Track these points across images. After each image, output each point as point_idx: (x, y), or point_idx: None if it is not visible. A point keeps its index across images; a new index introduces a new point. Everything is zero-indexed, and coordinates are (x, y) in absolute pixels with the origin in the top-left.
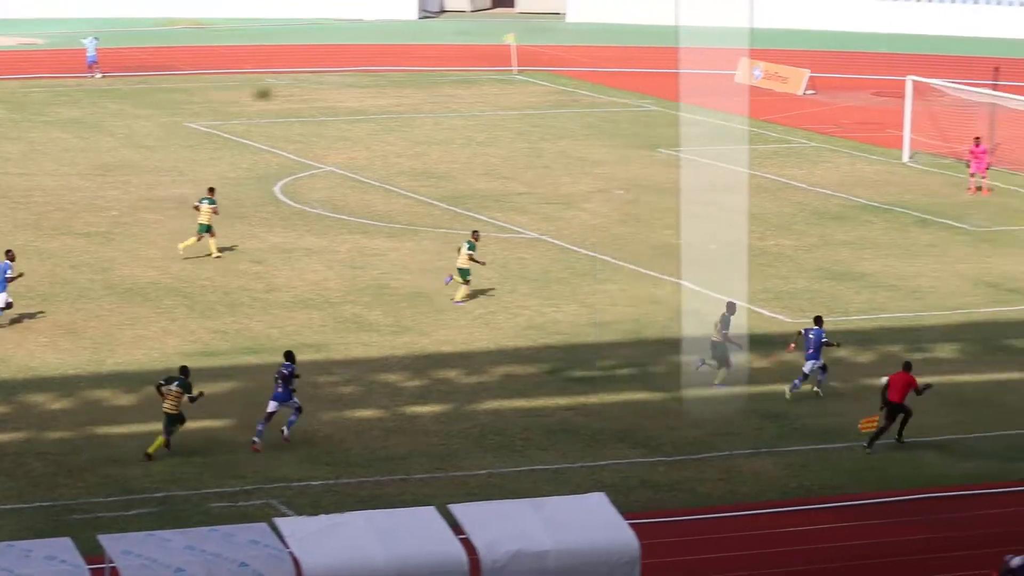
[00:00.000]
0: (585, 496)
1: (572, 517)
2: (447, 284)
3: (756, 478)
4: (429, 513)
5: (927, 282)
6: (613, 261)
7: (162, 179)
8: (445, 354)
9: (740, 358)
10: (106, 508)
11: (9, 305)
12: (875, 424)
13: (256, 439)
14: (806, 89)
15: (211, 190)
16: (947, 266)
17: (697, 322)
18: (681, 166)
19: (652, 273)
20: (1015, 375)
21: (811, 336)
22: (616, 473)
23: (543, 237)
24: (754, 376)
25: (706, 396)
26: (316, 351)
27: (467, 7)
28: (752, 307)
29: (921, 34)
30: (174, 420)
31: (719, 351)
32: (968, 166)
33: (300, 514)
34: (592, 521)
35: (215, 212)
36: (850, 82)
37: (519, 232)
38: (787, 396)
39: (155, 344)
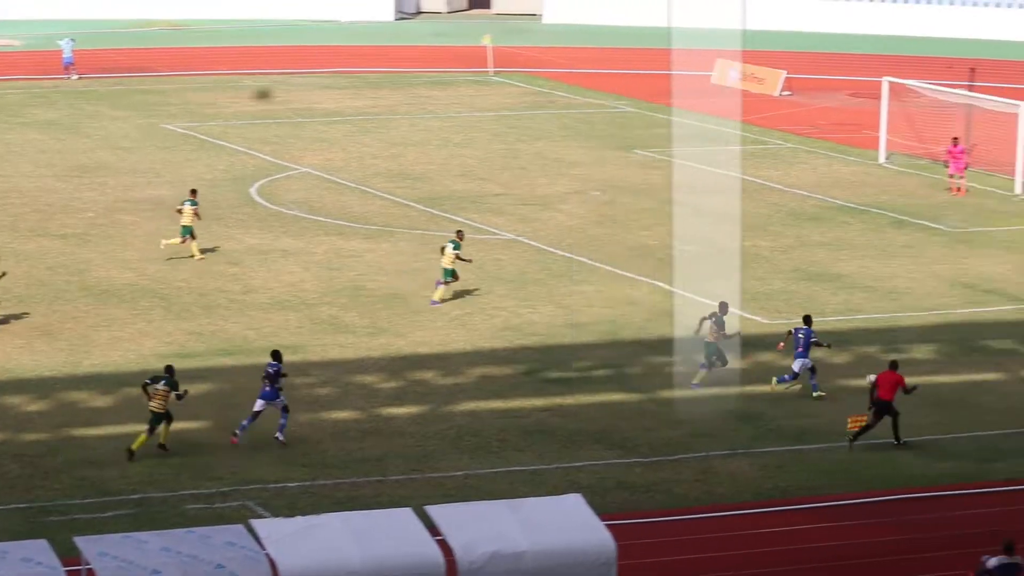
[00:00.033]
0: (561, 497)
1: (549, 518)
2: (439, 287)
3: (732, 479)
4: (406, 515)
5: (903, 283)
6: (589, 262)
7: (139, 181)
8: (421, 355)
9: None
10: (82, 510)
11: None
12: (862, 422)
13: (237, 431)
14: (782, 90)
15: (193, 192)
16: (923, 267)
17: (677, 324)
18: (657, 167)
19: (628, 274)
20: (991, 376)
21: (800, 335)
22: (592, 474)
23: (519, 238)
24: (731, 377)
25: (682, 397)
26: (292, 352)
27: (443, 8)
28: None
29: (897, 35)
30: (160, 419)
31: (711, 351)
32: (947, 166)
33: (276, 516)
34: (569, 522)
35: (196, 214)
36: (826, 83)
37: (495, 233)
38: (771, 384)
39: (131, 346)
